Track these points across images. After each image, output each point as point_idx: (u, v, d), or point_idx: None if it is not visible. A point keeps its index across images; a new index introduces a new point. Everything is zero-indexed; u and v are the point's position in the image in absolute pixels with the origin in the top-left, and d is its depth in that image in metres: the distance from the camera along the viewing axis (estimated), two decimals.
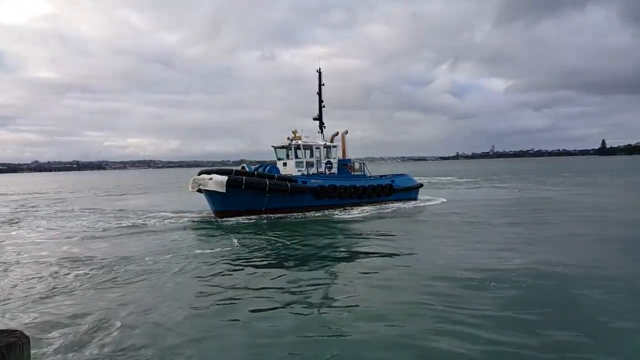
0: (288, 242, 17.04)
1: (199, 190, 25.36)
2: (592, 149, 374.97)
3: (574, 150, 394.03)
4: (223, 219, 23.67)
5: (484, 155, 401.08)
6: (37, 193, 58.35)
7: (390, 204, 29.09)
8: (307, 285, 10.92)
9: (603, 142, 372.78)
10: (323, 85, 31.72)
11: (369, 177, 31.55)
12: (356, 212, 25.39)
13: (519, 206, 27.08)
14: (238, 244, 16.71)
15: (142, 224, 22.97)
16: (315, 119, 31.58)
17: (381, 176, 33.18)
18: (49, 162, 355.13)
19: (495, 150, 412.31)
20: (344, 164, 30.86)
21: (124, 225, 22.68)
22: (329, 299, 10.09)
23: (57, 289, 11.03)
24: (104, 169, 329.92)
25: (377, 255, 14.37)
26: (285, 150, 29.16)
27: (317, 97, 31.43)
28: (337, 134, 32.50)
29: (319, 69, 31.58)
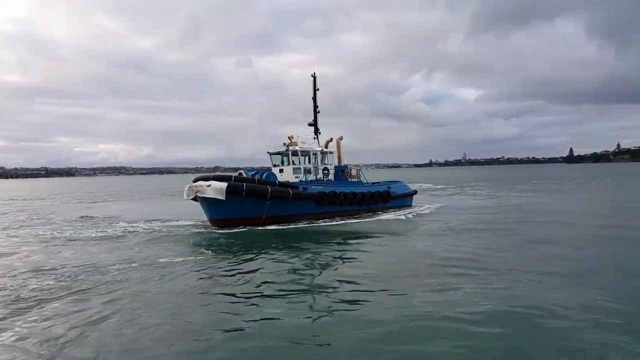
0: (296, 259, 15.94)
1: (194, 199, 24.20)
2: (560, 157, 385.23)
3: (543, 158, 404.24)
4: (219, 228, 22.60)
5: (456, 163, 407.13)
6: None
7: (392, 212, 28.69)
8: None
9: (570, 150, 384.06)
10: (318, 90, 30.96)
11: (366, 183, 30.87)
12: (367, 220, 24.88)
13: (508, 213, 27.27)
14: (233, 258, 15.55)
15: (124, 232, 21.93)
16: (310, 124, 30.75)
17: (373, 183, 32.42)
18: (15, 169, 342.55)
19: (467, 158, 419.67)
20: (342, 170, 30.09)
21: (93, 234, 21.61)
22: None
23: (18, 302, 10.54)
24: (74, 175, 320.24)
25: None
26: (282, 156, 28.19)
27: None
28: (331, 139, 31.71)
29: (314, 73, 30.84)
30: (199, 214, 26.04)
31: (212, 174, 24.07)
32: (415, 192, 34.45)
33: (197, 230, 22.69)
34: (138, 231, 22.37)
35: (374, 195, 28.63)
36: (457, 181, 78.99)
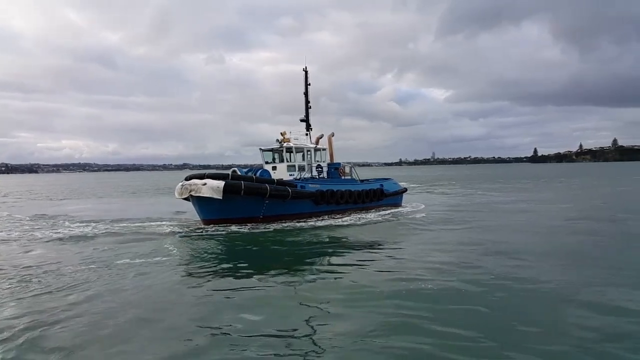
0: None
1: (186, 199, 22.94)
2: (525, 157, 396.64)
3: (508, 157, 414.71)
4: (212, 227, 21.46)
5: (425, 162, 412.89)
6: None
7: (388, 209, 28.17)
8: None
9: (535, 150, 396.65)
10: (309, 85, 30.04)
11: (359, 181, 30.10)
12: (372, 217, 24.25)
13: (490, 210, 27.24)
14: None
15: (87, 232, 20.57)
16: (302, 120, 29.80)
17: (362, 181, 31.56)
18: None
19: (435, 157, 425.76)
20: (335, 167, 29.26)
21: (52, 234, 20.24)
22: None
23: None
24: (36, 172, 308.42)
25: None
26: (275, 153, 27.14)
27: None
28: (321, 136, 30.81)
29: (305, 67, 29.83)
30: (166, 212, 26.05)
31: (206, 172, 22.74)
32: (405, 190, 33.93)
33: (166, 229, 21.41)
34: (103, 231, 21.00)
35: (368, 194, 27.93)
36: (429, 180, 79.51)
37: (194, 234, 20.16)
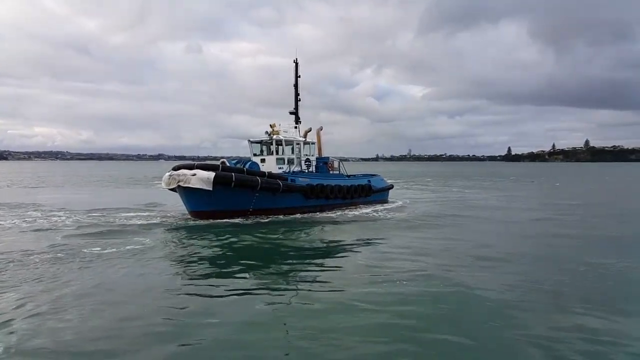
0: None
1: (173, 189, 22.29)
2: (499, 155, 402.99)
3: (483, 156, 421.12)
4: (202, 220, 20.98)
5: (402, 158, 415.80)
6: None
7: (378, 205, 28.12)
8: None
9: (509, 149, 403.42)
10: (299, 77, 29.51)
11: (346, 176, 29.83)
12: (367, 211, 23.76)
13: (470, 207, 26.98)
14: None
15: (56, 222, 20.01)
16: (291, 112, 29.23)
17: (349, 176, 31.12)
18: None
19: (412, 154, 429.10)
20: (324, 162, 28.91)
21: (17, 223, 19.81)
22: None
23: None
24: (6, 159, 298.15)
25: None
26: (264, 145, 26.60)
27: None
28: (310, 130, 30.41)
29: (296, 59, 29.28)
30: (140, 203, 25.86)
31: (196, 163, 22.12)
32: (392, 187, 33.83)
33: (139, 221, 20.89)
34: (74, 221, 20.53)
35: (357, 189, 27.68)
36: (408, 176, 79.95)
37: (167, 225, 19.86)
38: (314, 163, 28.19)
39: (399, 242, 16.35)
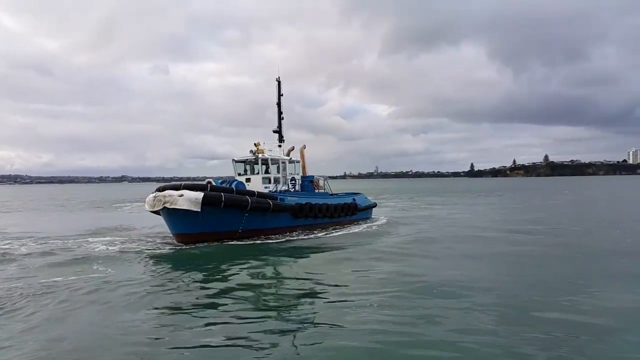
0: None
1: (156, 212, 21.27)
2: (463, 171, 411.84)
3: (447, 172, 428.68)
4: (185, 244, 20.03)
5: (369, 176, 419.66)
6: None
7: (363, 224, 27.66)
8: None
9: (472, 165, 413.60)
10: (282, 95, 29.05)
11: (332, 194, 29.36)
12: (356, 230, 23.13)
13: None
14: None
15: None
16: (275, 131, 28.66)
17: (332, 194, 30.58)
18: None
19: (379, 171, 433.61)
20: (310, 180, 28.36)
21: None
22: None
23: None
24: None
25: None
26: (245, 164, 25.82)
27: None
28: (293, 148, 29.86)
29: (278, 77, 28.84)
30: (104, 227, 24.63)
31: (182, 183, 21.07)
32: (375, 205, 33.54)
33: (102, 246, 19.70)
34: (31, 249, 19.23)
35: (344, 208, 27.23)
36: (377, 192, 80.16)
37: (146, 252, 18.57)
38: (299, 182, 27.63)
39: (395, 268, 15.88)
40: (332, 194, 29.46)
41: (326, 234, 23.23)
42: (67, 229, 27.24)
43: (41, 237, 22.96)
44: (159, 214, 21.76)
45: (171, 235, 21.56)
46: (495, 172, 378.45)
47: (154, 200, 20.35)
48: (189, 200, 19.44)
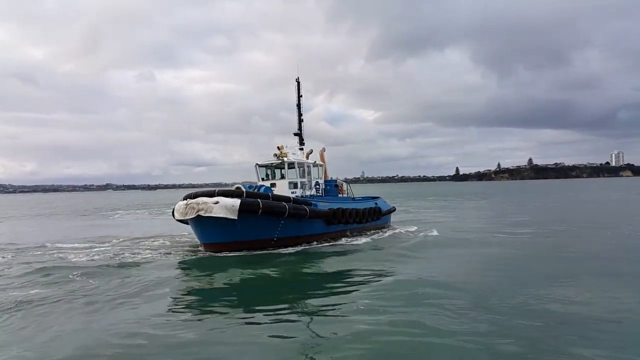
0: None
1: (183, 221, 20.15)
2: (448, 175, 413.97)
3: (433, 176, 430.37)
4: (215, 253, 18.95)
5: (356, 181, 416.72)
6: None
7: (394, 230, 26.86)
8: None
9: (457, 169, 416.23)
10: (301, 96, 28.04)
11: (355, 199, 28.37)
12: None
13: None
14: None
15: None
16: (295, 134, 27.63)
17: (354, 198, 29.82)
18: None
19: (365, 176, 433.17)
20: (335, 184, 27.35)
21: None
22: None
23: None
24: None
25: None
26: (266, 169, 24.66)
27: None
28: (311, 151, 28.80)
29: (298, 78, 27.82)
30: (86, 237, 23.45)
31: (216, 189, 19.77)
32: (394, 209, 32.64)
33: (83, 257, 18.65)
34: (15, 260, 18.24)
35: (370, 212, 26.23)
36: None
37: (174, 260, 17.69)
38: (322, 186, 26.60)
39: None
40: (354, 199, 28.51)
41: (371, 238, 22.46)
42: (56, 237, 25.86)
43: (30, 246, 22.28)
44: (187, 223, 20.62)
45: (200, 244, 20.42)
46: (480, 176, 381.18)
47: (185, 208, 19.11)
48: (226, 207, 18.28)
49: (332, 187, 27.12)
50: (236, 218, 18.27)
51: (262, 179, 24.83)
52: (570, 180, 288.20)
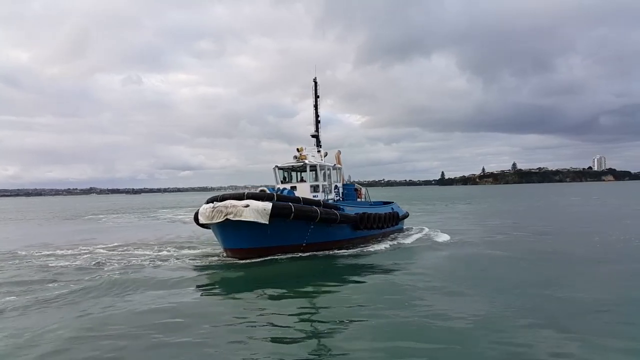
0: None
1: (205, 225, 19.18)
2: (434, 180, 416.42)
3: (419, 180, 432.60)
4: (240, 259, 18.01)
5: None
6: None
7: (413, 235, 26.05)
8: None
9: (442, 173, 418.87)
10: (318, 97, 27.20)
11: (371, 203, 27.61)
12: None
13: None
14: None
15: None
16: (313, 135, 26.72)
17: (370, 203, 29.13)
18: None
19: (352, 180, 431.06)
20: (355, 188, 26.56)
21: None
22: None
23: None
24: None
25: None
26: (294, 171, 23.81)
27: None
28: (326, 154, 27.96)
29: (315, 78, 27.02)
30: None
31: (245, 192, 18.72)
32: (408, 215, 31.94)
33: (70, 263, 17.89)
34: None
35: (390, 217, 25.45)
36: None
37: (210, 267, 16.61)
38: (341, 190, 25.78)
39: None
40: (371, 203, 27.77)
41: (394, 244, 21.64)
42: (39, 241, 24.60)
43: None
44: (208, 227, 19.61)
45: (223, 250, 19.43)
46: (465, 180, 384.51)
47: (212, 211, 18.05)
48: (257, 211, 17.30)
49: (350, 191, 26.36)
50: (267, 222, 17.34)
51: (282, 182, 23.93)
52: (553, 184, 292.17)
